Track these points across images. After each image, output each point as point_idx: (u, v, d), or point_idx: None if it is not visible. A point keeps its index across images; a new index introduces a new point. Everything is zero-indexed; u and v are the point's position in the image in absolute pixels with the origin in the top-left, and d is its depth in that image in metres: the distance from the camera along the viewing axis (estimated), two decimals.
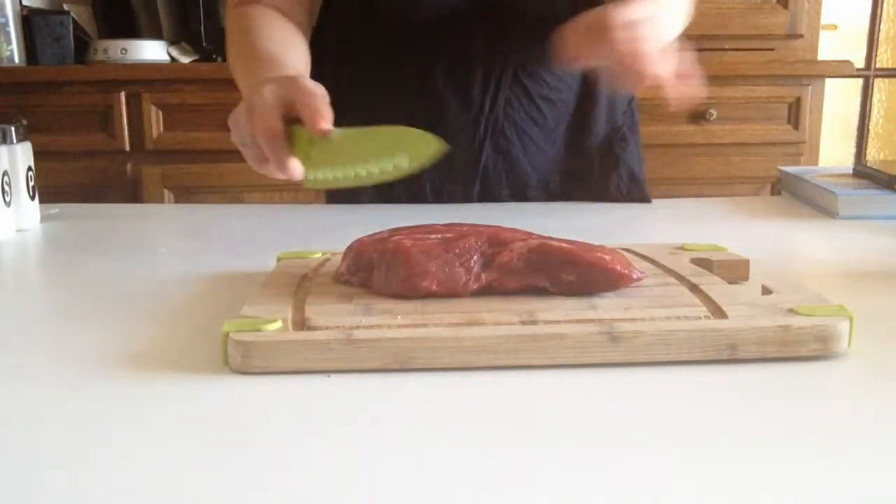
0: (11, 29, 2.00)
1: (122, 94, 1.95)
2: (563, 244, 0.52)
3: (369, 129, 0.58)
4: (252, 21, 0.83)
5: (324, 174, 0.60)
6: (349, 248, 0.56)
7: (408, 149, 0.55)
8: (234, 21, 0.86)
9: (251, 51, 0.79)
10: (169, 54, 2.07)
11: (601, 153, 0.99)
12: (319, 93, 0.60)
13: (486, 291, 0.52)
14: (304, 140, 0.60)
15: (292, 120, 0.61)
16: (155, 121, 1.97)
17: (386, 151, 0.55)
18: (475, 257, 0.52)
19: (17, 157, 0.82)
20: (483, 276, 0.51)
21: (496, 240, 0.53)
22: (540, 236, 0.53)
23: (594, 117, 0.97)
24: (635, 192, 1.00)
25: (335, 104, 0.60)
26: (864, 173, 0.96)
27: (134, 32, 2.13)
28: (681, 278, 0.55)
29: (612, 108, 0.99)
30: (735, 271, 0.58)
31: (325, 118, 0.59)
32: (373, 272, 0.53)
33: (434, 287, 0.51)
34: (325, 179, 0.59)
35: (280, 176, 0.62)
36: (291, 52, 0.78)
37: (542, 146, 0.94)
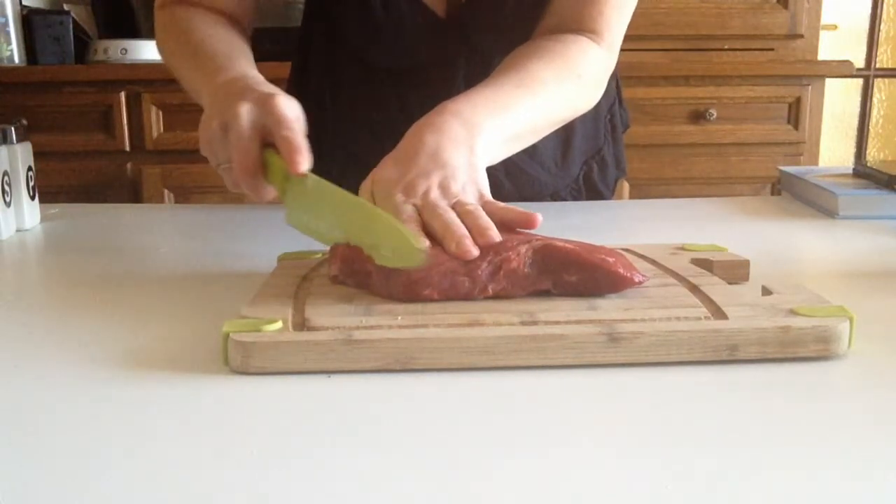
0: (11, 29, 2.00)
1: (122, 94, 1.95)
2: (567, 245, 0.52)
3: (349, 195, 0.56)
4: (191, 20, 0.80)
5: (306, 221, 0.58)
6: (334, 252, 0.56)
7: (389, 245, 0.52)
8: (168, 18, 0.82)
9: (197, 47, 0.75)
10: None
11: (586, 169, 0.99)
12: (296, 124, 0.59)
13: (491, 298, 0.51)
14: (279, 171, 0.59)
15: (269, 144, 0.60)
16: (155, 121, 1.97)
17: (364, 233, 0.53)
18: (483, 265, 0.51)
19: (17, 157, 0.82)
20: (490, 287, 0.51)
21: (500, 244, 0.52)
22: (543, 237, 0.53)
23: (574, 135, 0.96)
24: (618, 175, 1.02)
25: (317, 135, 0.59)
26: (864, 173, 0.96)
27: (134, 32, 2.13)
28: (681, 279, 0.55)
29: (595, 122, 0.98)
30: (735, 272, 0.58)
31: (303, 157, 0.57)
32: (371, 276, 0.53)
33: (435, 296, 0.50)
34: (308, 228, 0.58)
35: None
36: (244, 56, 0.75)
37: (529, 171, 0.93)
